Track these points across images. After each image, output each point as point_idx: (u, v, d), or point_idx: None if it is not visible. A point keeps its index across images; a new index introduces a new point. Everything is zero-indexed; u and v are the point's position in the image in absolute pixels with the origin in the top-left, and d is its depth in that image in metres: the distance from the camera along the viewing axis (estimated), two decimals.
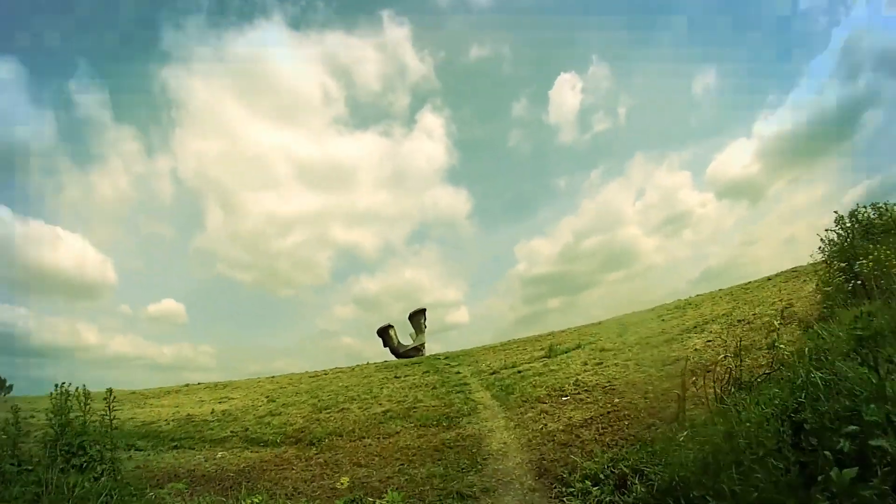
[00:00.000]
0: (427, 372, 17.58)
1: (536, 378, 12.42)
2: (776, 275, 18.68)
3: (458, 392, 12.83)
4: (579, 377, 11.24)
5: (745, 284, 19.05)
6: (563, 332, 25.52)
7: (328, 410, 12.77)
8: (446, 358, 21.07)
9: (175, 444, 11.23)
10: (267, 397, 16.63)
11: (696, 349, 10.55)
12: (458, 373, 16.59)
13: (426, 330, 42.08)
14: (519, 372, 13.88)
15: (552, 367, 13.27)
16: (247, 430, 11.73)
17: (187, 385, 22.64)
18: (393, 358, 39.53)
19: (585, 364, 12.55)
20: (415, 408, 11.60)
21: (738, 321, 12.03)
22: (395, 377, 17.25)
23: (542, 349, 17.14)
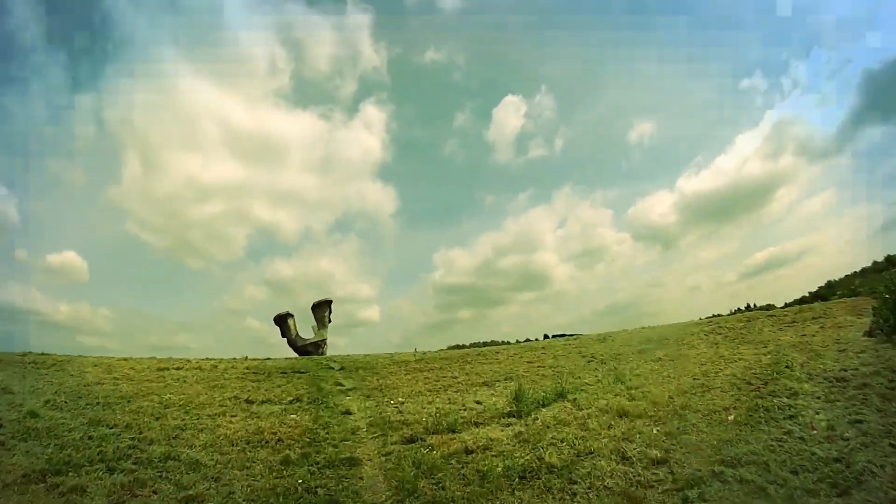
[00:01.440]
0: (299, 399, 13.56)
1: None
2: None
3: (330, 470, 8.34)
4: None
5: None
6: (486, 349, 25.64)
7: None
8: (341, 369, 19.54)
9: None
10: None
11: None
12: (348, 413, 12.22)
13: (330, 324, 40.05)
14: (469, 452, 8.44)
15: (542, 452, 7.96)
16: None
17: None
18: (291, 352, 37.16)
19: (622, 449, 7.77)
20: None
21: None
22: (248, 401, 13.11)
23: (484, 383, 15.00)
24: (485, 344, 43.84)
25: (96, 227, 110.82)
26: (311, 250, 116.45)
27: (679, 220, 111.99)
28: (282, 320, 38.25)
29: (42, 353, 19.00)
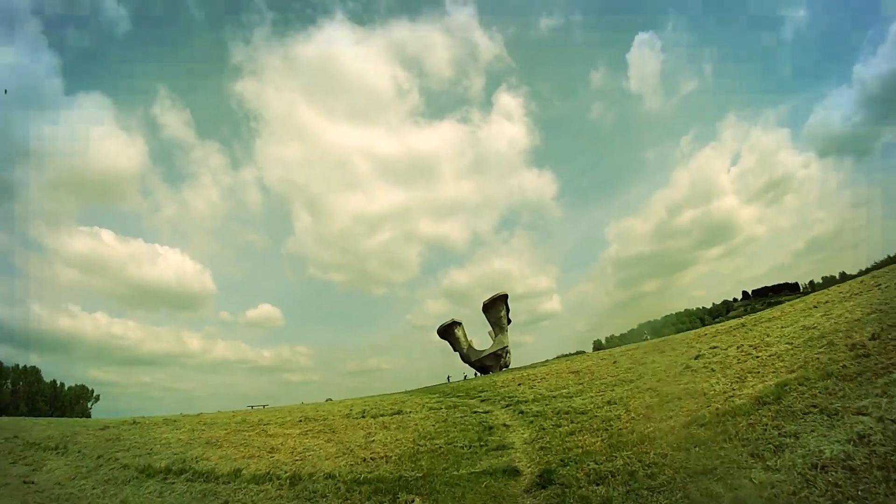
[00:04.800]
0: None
1: None
2: None
3: None
4: None
5: None
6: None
7: None
8: (533, 401, 12.94)
9: None
10: None
11: None
12: None
13: (510, 325, 33.86)
14: None
15: None
16: None
17: None
18: (467, 368, 32.25)
19: None
20: None
21: None
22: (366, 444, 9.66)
23: None
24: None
25: (283, 277, 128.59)
26: (483, 253, 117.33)
27: (868, 119, 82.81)
28: (447, 332, 33.69)
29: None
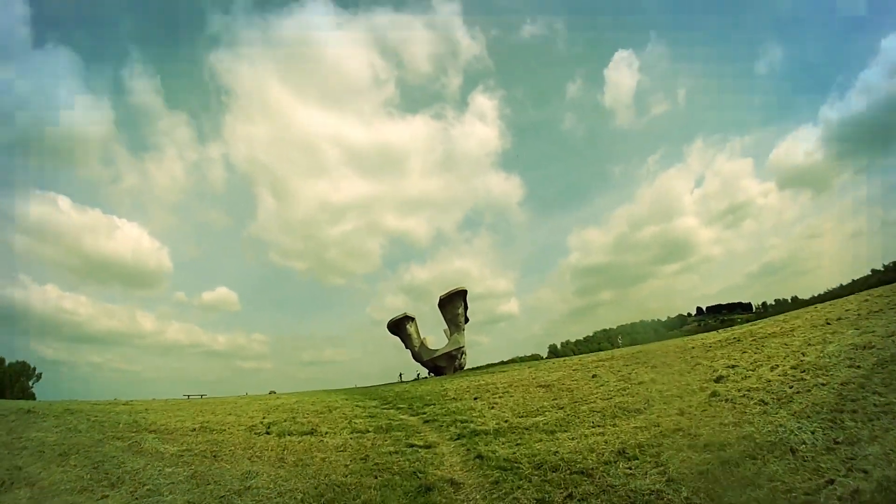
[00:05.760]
0: None
1: None
2: None
3: None
4: None
5: None
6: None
7: None
8: (496, 434, 11.47)
9: None
10: None
11: None
12: None
13: (468, 323, 30.56)
14: None
15: None
16: None
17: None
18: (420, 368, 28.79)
19: None
20: None
21: None
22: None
23: None
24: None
25: (242, 261, 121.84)
26: (445, 252, 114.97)
27: (828, 156, 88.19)
28: (398, 327, 29.84)
29: None
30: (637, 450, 6.85)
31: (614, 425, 8.15)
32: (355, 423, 11.60)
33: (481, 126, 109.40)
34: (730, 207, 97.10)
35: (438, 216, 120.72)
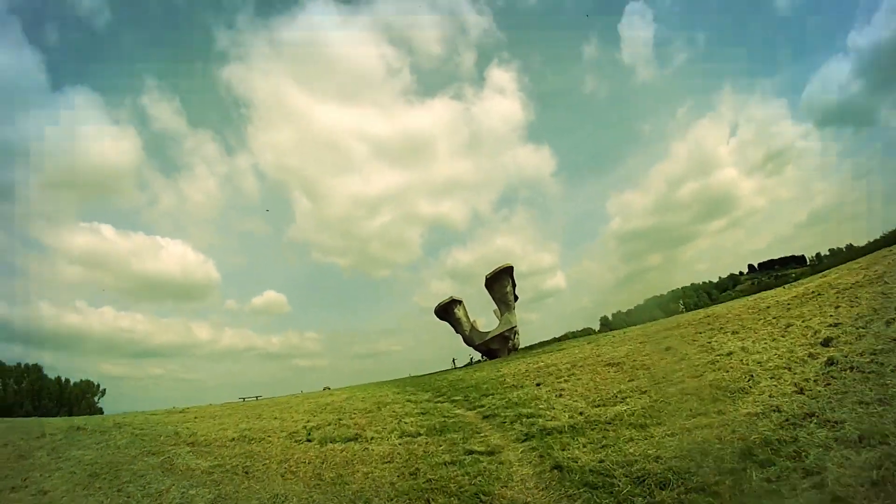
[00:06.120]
0: None
1: None
2: None
3: None
4: None
5: None
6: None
7: None
8: (571, 431, 10.34)
9: None
10: None
11: None
12: None
13: (517, 301, 28.84)
14: None
15: None
16: None
17: None
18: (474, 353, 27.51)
19: None
20: None
21: None
22: None
23: None
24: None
25: (286, 263, 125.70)
26: (484, 232, 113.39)
27: (866, 87, 77.31)
28: (446, 312, 28.44)
29: None
30: (768, 449, 5.05)
31: (720, 412, 6.30)
32: (405, 422, 10.34)
33: (502, 100, 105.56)
34: (769, 154, 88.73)
35: (473, 197, 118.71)
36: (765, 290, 25.77)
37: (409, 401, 14.46)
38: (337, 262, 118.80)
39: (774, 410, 5.70)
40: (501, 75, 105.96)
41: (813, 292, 13.69)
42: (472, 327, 28.85)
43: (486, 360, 27.64)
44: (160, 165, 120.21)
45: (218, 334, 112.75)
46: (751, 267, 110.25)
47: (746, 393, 6.59)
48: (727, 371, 7.91)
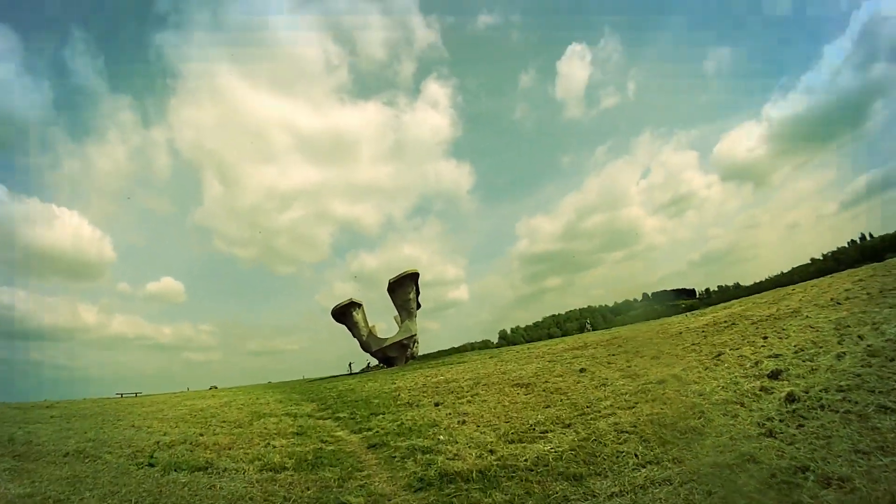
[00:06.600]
0: None
1: None
2: None
3: None
4: None
5: None
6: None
7: None
8: (478, 475, 9.22)
9: None
10: None
11: None
12: None
13: (419, 309, 27.11)
14: None
15: None
16: None
17: None
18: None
19: None
20: None
21: None
22: None
23: None
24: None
25: (187, 249, 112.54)
26: (394, 238, 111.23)
27: (770, 152, 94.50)
28: (344, 314, 26.07)
29: None
30: None
31: (677, 461, 4.96)
32: (273, 447, 8.00)
33: (433, 114, 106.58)
34: (674, 198, 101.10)
35: (388, 203, 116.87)
36: (662, 316, 27.13)
37: (288, 414, 11.99)
38: (241, 253, 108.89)
39: (749, 460, 4.48)
40: (437, 90, 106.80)
41: (725, 321, 13.76)
42: (370, 332, 26.68)
43: (383, 368, 25.69)
44: (69, 126, 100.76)
45: (107, 319, 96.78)
46: (644, 295, 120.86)
47: (701, 434, 5.40)
48: (665, 403, 6.83)
